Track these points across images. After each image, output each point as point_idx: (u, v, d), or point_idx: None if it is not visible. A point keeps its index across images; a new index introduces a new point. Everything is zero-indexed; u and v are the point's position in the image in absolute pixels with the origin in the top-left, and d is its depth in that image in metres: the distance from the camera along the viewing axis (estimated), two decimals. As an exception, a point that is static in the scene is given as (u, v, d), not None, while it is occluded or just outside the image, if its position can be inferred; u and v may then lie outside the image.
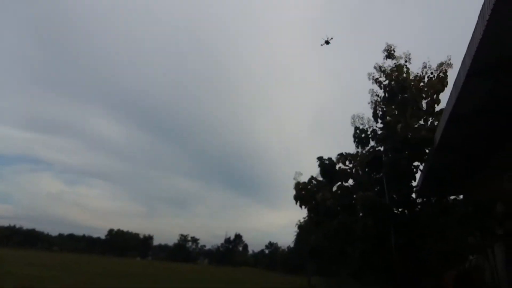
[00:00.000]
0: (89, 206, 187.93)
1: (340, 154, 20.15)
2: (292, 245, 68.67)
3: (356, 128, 19.13)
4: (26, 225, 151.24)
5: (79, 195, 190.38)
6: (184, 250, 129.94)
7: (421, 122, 18.28)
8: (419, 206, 17.87)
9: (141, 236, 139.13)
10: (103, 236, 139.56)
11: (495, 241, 12.85)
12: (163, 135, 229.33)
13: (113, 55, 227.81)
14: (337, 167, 19.96)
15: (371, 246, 16.48)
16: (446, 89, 17.67)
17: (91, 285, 21.88)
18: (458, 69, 10.87)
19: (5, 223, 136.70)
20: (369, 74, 19.28)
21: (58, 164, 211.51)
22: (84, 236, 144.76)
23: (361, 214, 17.77)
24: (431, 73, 18.25)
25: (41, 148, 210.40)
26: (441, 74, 17.86)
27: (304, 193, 20.26)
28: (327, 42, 21.99)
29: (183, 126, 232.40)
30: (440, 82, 17.73)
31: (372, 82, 19.23)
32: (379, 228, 16.17)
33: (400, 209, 18.24)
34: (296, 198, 20.36)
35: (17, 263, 33.00)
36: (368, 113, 19.31)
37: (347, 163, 20.10)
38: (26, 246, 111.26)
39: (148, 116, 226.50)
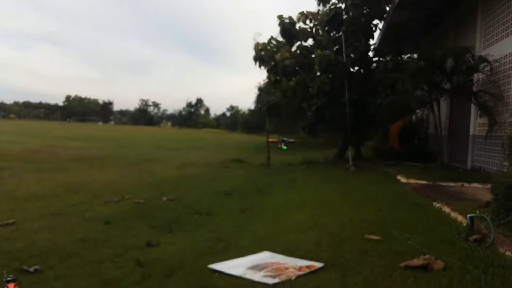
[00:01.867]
0: (42, 73, 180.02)
1: (301, 13, 19.70)
2: (252, 107, 70.71)
3: (318, -17, 18.45)
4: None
5: (30, 61, 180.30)
6: (146, 115, 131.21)
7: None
8: (374, 64, 18.47)
9: (101, 102, 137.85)
10: (60, 103, 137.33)
11: (441, 95, 13.84)
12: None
13: None
14: (297, 26, 19.67)
15: (326, 102, 17.34)
16: None
17: (57, 148, 22.34)
18: None
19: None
20: None
21: (3, 29, 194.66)
22: (41, 103, 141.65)
23: (318, 73, 18.22)
24: None
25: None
26: None
27: (264, 53, 20.14)
28: None
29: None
30: None
31: None
32: (334, 85, 16.84)
33: (356, 67, 18.82)
34: (256, 58, 20.29)
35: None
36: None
37: (307, 22, 19.80)
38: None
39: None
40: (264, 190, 10.61)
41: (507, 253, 4.33)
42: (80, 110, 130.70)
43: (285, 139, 32.92)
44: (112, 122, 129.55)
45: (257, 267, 4.13)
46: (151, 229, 6.50)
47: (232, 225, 6.55)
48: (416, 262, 3.90)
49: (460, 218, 6.13)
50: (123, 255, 5.00)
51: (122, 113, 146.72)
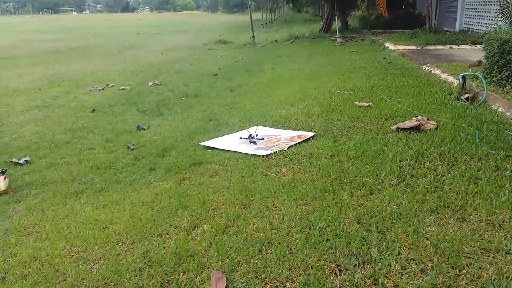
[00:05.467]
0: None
1: None
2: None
3: None
4: None
5: None
6: (122, 1, 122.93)
7: None
8: None
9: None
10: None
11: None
12: None
13: None
14: None
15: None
16: None
17: (34, 42, 21.17)
18: None
19: None
20: None
21: None
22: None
23: None
24: None
25: None
26: None
27: None
28: None
29: None
30: None
31: None
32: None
33: None
34: None
35: None
36: None
37: None
38: None
39: None
40: (251, 68, 10.34)
41: (500, 109, 4.32)
42: (51, 0, 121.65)
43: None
44: (87, 12, 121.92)
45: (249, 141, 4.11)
46: (140, 114, 6.41)
47: (221, 104, 6.45)
48: (408, 124, 3.88)
49: (450, 79, 6.05)
50: (113, 140, 4.97)
51: (96, 1, 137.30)
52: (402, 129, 3.87)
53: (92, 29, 35.53)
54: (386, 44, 11.69)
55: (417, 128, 3.83)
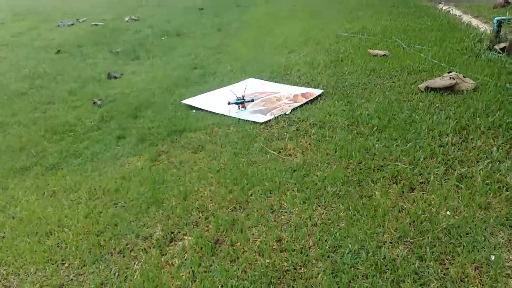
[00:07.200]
0: None
1: None
2: None
3: None
4: None
5: None
6: None
7: None
8: None
9: None
10: None
11: None
12: None
13: None
14: None
15: None
16: None
17: None
18: None
19: None
20: None
21: None
22: None
23: None
24: None
25: None
26: None
27: None
28: None
29: None
30: None
31: None
32: None
33: None
34: None
35: None
36: None
37: None
38: None
39: None
40: (242, 2, 9.22)
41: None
42: None
43: None
44: None
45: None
46: (112, 57, 5.50)
47: (208, 46, 5.54)
48: (440, 82, 3.13)
49: (475, 22, 5.21)
50: (78, 92, 4.12)
51: None
52: (432, 88, 3.13)
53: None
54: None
55: (451, 88, 3.09)
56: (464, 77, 3.19)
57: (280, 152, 2.44)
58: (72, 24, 7.77)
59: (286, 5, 8.16)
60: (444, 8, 6.31)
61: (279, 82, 3.79)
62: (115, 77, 4.53)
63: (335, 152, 2.35)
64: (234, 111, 3.15)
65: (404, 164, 2.16)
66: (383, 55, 4.16)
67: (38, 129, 3.26)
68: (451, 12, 5.99)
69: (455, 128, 2.49)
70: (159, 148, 2.69)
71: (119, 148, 2.78)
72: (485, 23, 5.07)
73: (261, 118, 2.95)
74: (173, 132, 2.88)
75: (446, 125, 2.53)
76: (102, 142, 2.89)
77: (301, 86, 3.60)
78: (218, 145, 2.63)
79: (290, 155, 2.40)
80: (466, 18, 5.49)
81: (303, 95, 3.36)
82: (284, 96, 3.40)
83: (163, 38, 6.31)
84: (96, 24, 7.65)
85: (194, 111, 3.28)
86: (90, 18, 8.25)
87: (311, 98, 3.26)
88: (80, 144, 2.91)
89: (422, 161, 2.17)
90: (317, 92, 3.36)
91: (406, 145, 2.35)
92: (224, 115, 3.10)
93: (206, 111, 3.24)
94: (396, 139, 2.44)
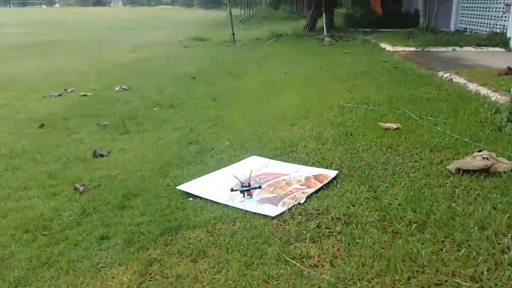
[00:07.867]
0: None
1: None
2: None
3: None
4: None
5: None
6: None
7: None
8: None
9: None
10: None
11: None
12: None
13: None
14: None
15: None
16: None
17: None
18: None
19: None
20: None
21: None
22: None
23: None
24: None
25: None
26: None
27: None
28: None
29: None
30: None
31: None
32: None
33: None
34: None
35: None
36: None
37: None
38: None
39: None
40: (235, 71, 9.09)
41: None
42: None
43: None
44: (57, 5, 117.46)
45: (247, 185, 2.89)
46: (100, 131, 5.10)
47: (203, 118, 5.20)
48: (472, 163, 2.75)
49: (484, 91, 4.99)
50: (58, 175, 3.65)
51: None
52: (466, 170, 2.74)
53: (61, 23, 33.39)
54: (382, 45, 10.66)
55: (486, 170, 2.72)
56: (497, 156, 2.83)
57: (302, 261, 1.97)
58: (59, 95, 7.46)
59: (278, 73, 8.03)
60: (445, 75, 6.16)
61: (285, 161, 3.39)
62: (102, 155, 4.10)
63: (373, 261, 1.89)
64: (238, 200, 2.71)
65: (466, 281, 1.70)
66: (396, 128, 3.83)
67: (8, 225, 2.74)
68: (453, 80, 5.82)
69: (509, 224, 2.07)
70: (151, 253, 2.19)
71: (102, 253, 2.27)
72: (494, 91, 4.86)
73: (272, 210, 2.50)
74: (167, 230, 2.40)
75: (496, 220, 2.11)
76: (81, 245, 2.38)
77: (311, 165, 3.21)
78: (223, 249, 2.15)
79: (315, 265, 1.93)
80: (472, 86, 5.29)
81: (315, 177, 2.95)
82: (295, 179, 2.98)
83: (155, 109, 5.98)
84: (84, 95, 7.35)
85: (191, 199, 2.83)
86: (78, 88, 7.97)
87: (326, 181, 2.84)
88: (55, 247, 2.40)
89: (486, 275, 1.72)
90: (332, 173, 2.96)
91: (459, 250, 1.90)
92: (228, 206, 2.64)
93: (206, 199, 2.78)
94: (443, 241, 2.00)
